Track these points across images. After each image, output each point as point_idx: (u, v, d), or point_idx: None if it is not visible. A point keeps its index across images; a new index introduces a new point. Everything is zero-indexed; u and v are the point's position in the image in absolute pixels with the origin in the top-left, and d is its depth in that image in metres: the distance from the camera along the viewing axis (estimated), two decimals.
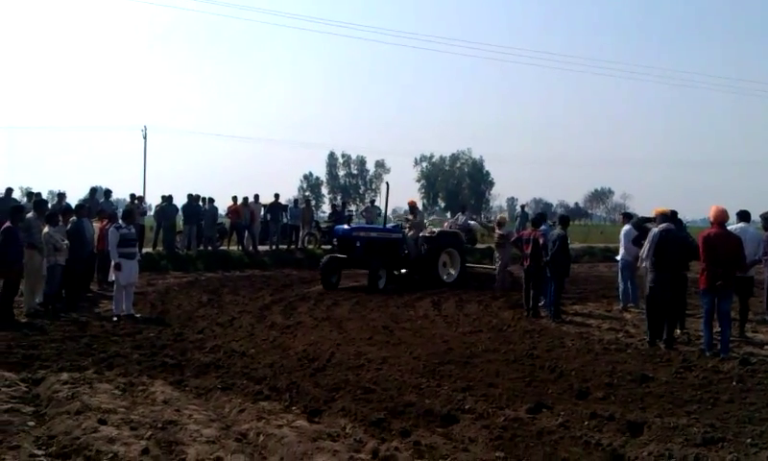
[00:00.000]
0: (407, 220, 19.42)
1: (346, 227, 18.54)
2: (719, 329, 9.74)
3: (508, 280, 17.34)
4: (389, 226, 19.11)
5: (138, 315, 12.07)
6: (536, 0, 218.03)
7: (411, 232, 18.53)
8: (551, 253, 12.47)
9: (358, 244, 17.40)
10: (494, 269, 18.45)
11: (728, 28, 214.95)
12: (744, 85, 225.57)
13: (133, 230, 12.54)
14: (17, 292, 11.55)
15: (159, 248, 22.31)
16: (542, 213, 16.67)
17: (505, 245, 17.03)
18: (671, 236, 10.05)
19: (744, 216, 11.13)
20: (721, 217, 9.67)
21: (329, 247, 23.26)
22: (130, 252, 12.07)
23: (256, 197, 24.40)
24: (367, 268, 17.04)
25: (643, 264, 10.43)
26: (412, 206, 20.16)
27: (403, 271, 18.24)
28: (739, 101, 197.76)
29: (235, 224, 23.90)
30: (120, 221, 12.47)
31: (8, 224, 11.15)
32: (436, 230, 19.52)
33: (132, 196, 21.68)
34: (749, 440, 5.77)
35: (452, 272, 18.67)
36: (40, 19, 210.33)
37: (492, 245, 19.00)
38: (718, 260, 9.46)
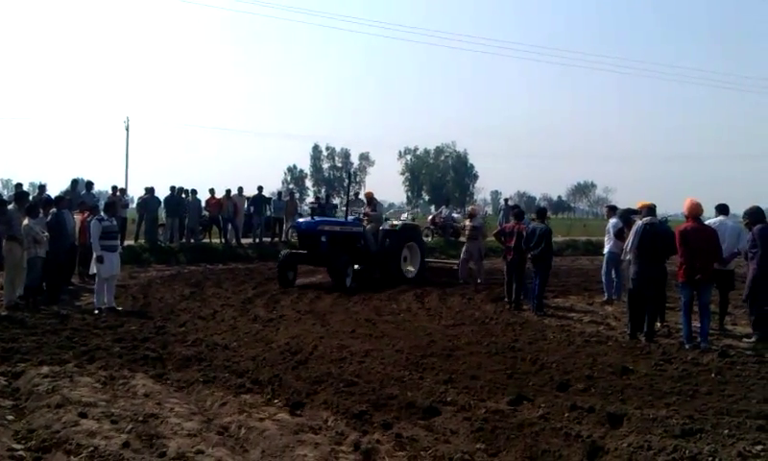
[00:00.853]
0: (365, 213, 18.19)
1: (308, 220, 17.45)
2: (697, 322, 9.85)
3: (466, 273, 17.26)
4: (349, 219, 18.00)
5: (120, 308, 12.00)
6: None
7: (369, 226, 17.40)
8: (539, 248, 12.47)
9: (323, 239, 16.16)
10: (456, 263, 18.43)
11: (714, 23, 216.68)
12: (728, 80, 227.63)
13: (115, 223, 12.46)
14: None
15: (141, 240, 22.16)
16: (518, 205, 16.95)
17: (477, 237, 17.08)
18: (655, 229, 10.14)
19: (723, 209, 11.21)
20: (695, 210, 9.81)
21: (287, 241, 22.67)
22: (111, 244, 11.99)
23: (240, 189, 24.30)
24: (332, 265, 15.88)
25: (627, 257, 10.51)
26: (370, 197, 19.06)
27: (356, 266, 16.66)
28: (723, 95, 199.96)
29: (213, 217, 23.77)
30: (102, 213, 12.39)
31: None
32: (398, 223, 18.60)
33: (114, 188, 21.50)
34: (726, 431, 5.83)
35: (411, 268, 17.72)
36: (22, 11, 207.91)
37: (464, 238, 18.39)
38: (695, 253, 9.59)
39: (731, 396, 7.13)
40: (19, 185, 18.43)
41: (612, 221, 13.71)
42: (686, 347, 9.55)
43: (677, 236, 9.75)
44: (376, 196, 18.91)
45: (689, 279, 9.71)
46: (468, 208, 20.24)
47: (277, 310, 12.43)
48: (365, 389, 7.06)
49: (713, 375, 8.07)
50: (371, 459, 5.23)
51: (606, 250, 14.06)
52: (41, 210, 12.78)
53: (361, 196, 26.36)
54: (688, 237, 9.63)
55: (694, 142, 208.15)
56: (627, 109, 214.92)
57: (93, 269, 12.03)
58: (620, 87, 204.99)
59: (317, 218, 17.90)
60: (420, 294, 14.79)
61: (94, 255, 11.83)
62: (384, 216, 20.09)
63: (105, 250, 11.76)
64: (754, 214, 10.26)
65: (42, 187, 18.79)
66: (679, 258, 9.83)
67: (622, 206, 14.53)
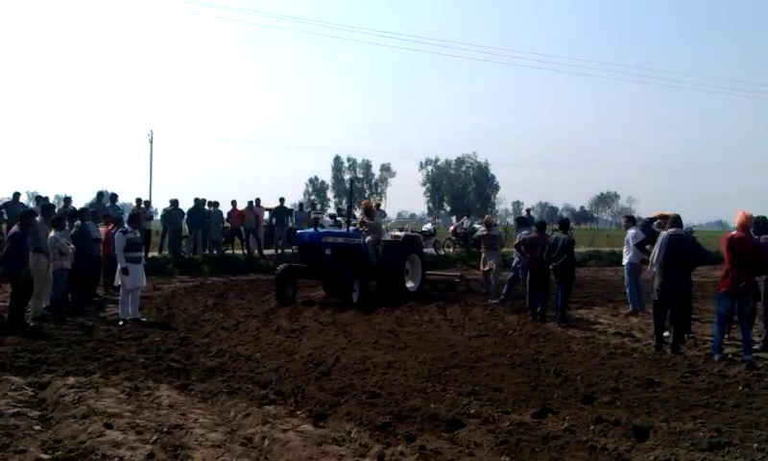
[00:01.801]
0: (362, 223, 16.87)
1: (311, 231, 16.05)
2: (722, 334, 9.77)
3: (492, 285, 16.44)
4: (350, 230, 16.63)
5: (144, 319, 12.09)
6: (544, 4, 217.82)
7: (369, 238, 16.24)
8: (562, 258, 12.41)
9: (328, 252, 15.07)
10: (456, 275, 18.16)
11: (743, 30, 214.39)
12: (757, 89, 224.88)
13: (139, 235, 12.57)
14: (28, 297, 11.54)
15: (165, 252, 22.35)
16: (524, 218, 16.97)
17: (496, 247, 16.74)
18: (680, 240, 10.05)
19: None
20: (747, 222, 9.71)
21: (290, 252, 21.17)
22: (136, 256, 12.13)
23: (257, 201, 24.47)
24: (337, 280, 14.81)
25: (653, 269, 10.42)
26: (368, 208, 18.15)
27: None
28: (749, 105, 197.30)
29: (235, 228, 23.90)
30: (126, 225, 12.52)
31: (15, 229, 11.17)
32: (401, 234, 17.38)
33: (138, 200, 21.73)
34: (755, 445, 5.76)
35: (412, 282, 16.79)
36: (47, 24, 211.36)
37: (482, 249, 17.30)
38: (742, 264, 9.48)
39: (759, 408, 7.03)
40: (44, 198, 18.71)
41: (632, 232, 13.63)
42: (715, 358, 9.42)
43: (725, 245, 9.63)
44: (398, 207, 18.73)
45: (733, 289, 9.57)
46: (486, 217, 19.68)
47: (300, 321, 12.45)
48: (388, 401, 7.04)
49: (741, 387, 7.96)
50: None
51: (626, 261, 13.95)
52: (67, 223, 12.93)
53: (382, 207, 26.14)
54: (737, 246, 9.52)
55: (719, 152, 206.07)
56: (650, 119, 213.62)
57: (118, 281, 12.15)
58: (643, 97, 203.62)
59: (320, 229, 16.42)
60: (443, 305, 14.73)
61: (119, 267, 11.95)
62: (385, 226, 19.43)
63: (129, 262, 11.88)
64: (757, 223, 10.25)
65: (68, 199, 19.02)
66: (726, 266, 9.69)
67: (645, 215, 14.45)
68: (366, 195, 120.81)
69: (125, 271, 11.80)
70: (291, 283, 15.34)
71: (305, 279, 16.18)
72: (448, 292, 17.23)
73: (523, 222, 16.94)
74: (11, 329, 10.53)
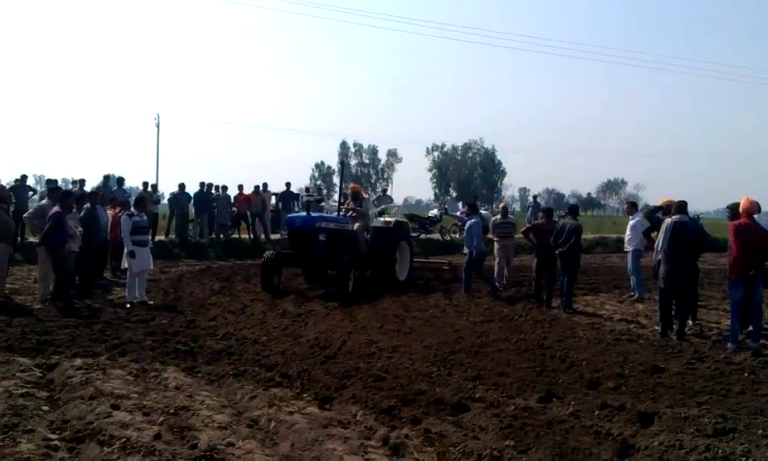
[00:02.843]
0: (348, 208, 15.86)
1: (304, 215, 14.74)
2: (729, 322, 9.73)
3: (503, 275, 15.53)
4: (334, 214, 15.56)
5: (151, 302, 12.14)
6: None
7: (357, 225, 15.32)
8: (568, 244, 12.37)
9: (322, 238, 14.06)
10: (445, 263, 17.70)
11: (746, 20, 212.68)
12: (763, 76, 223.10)
13: (146, 218, 12.61)
14: (69, 273, 11.90)
15: (172, 236, 22.41)
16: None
17: (512, 235, 15.76)
18: (685, 227, 10.01)
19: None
20: (751, 208, 9.65)
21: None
22: (142, 239, 12.17)
23: (265, 185, 24.43)
24: (331, 268, 13.83)
25: (657, 256, 10.40)
26: (356, 192, 16.70)
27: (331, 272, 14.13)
28: (756, 92, 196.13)
29: (241, 213, 23.92)
30: (132, 209, 12.56)
31: (57, 209, 11.43)
32: (392, 220, 16.32)
33: (145, 184, 21.80)
34: (760, 431, 5.76)
35: (402, 269, 15.91)
36: (52, 6, 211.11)
37: (495, 237, 15.84)
38: (747, 250, 9.43)
39: (764, 395, 7.03)
40: (54, 181, 18.75)
41: (636, 219, 13.66)
42: (729, 347, 9.35)
43: (731, 231, 9.58)
44: (404, 192, 18.18)
45: (743, 276, 9.53)
46: (500, 204, 18.36)
47: (306, 305, 12.46)
48: (393, 384, 7.08)
49: (746, 374, 7.96)
50: (399, 454, 5.25)
51: (631, 248, 13.93)
52: (74, 205, 12.98)
53: (389, 192, 25.71)
54: (743, 233, 9.48)
55: (726, 139, 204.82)
56: (658, 106, 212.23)
57: (125, 264, 12.19)
58: (651, 83, 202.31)
59: (313, 213, 14.89)
60: (448, 290, 14.73)
61: (125, 250, 12.00)
62: (378, 210, 18.48)
63: (136, 245, 11.93)
64: (735, 209, 10.30)
65: (82, 182, 19.16)
66: (732, 253, 9.60)
67: (651, 202, 14.44)
68: (372, 180, 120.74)
69: (131, 254, 11.84)
70: (278, 271, 14.38)
71: (294, 267, 15.41)
72: (433, 281, 16.48)
73: (474, 209, 15.58)
74: (54, 301, 11.29)
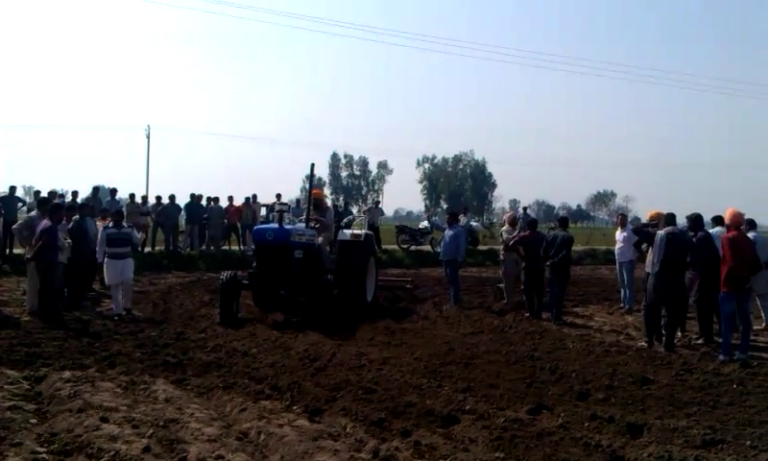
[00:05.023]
0: (311, 219, 13.11)
1: (276, 227, 12.25)
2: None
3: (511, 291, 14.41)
4: (301, 226, 12.93)
5: (139, 314, 12.10)
6: (539, 2, 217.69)
7: (321, 237, 12.91)
8: (559, 256, 12.39)
9: (298, 254, 11.88)
10: (408, 281, 16.61)
11: (732, 29, 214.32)
12: (748, 88, 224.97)
13: (125, 230, 12.48)
14: (60, 287, 11.73)
15: (160, 248, 22.34)
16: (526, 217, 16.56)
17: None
18: (678, 239, 10.06)
19: (750, 224, 11.17)
20: (738, 220, 9.72)
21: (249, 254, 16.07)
22: (117, 252, 12.15)
23: (254, 197, 24.41)
24: (307, 291, 12.24)
25: (655, 268, 10.42)
26: (318, 200, 14.02)
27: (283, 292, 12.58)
28: (742, 103, 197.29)
29: (232, 224, 23.85)
30: (108, 222, 12.65)
31: (47, 222, 11.29)
32: (361, 232, 14.23)
33: (132, 196, 21.87)
34: (748, 442, 5.79)
35: (369, 287, 13.91)
36: (43, 17, 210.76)
37: (501, 248, 14.84)
38: (741, 263, 9.45)
39: (752, 406, 7.07)
40: (49, 192, 18.75)
41: (625, 233, 13.74)
42: (721, 359, 9.35)
43: (725, 244, 9.57)
44: (395, 204, 17.34)
45: (736, 289, 9.51)
46: (507, 215, 17.29)
47: (296, 317, 12.42)
48: (383, 396, 7.07)
49: (735, 385, 7.99)
50: None
51: (625, 259, 13.97)
52: (64, 217, 12.92)
53: (381, 205, 25.23)
54: (738, 245, 9.48)
55: (716, 151, 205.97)
56: (647, 118, 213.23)
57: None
58: (641, 95, 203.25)
59: (286, 225, 12.41)
60: (439, 302, 14.72)
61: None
62: (345, 221, 16.43)
63: (110, 257, 12.06)
64: (696, 220, 10.60)
65: (75, 193, 19.35)
66: (727, 267, 9.51)
67: (640, 213, 14.56)
68: (363, 192, 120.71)
69: (105, 266, 12.14)
70: (236, 296, 12.09)
71: (260, 291, 12.91)
72: (397, 303, 14.90)
73: (455, 219, 15.24)
74: (45, 319, 10.93)
